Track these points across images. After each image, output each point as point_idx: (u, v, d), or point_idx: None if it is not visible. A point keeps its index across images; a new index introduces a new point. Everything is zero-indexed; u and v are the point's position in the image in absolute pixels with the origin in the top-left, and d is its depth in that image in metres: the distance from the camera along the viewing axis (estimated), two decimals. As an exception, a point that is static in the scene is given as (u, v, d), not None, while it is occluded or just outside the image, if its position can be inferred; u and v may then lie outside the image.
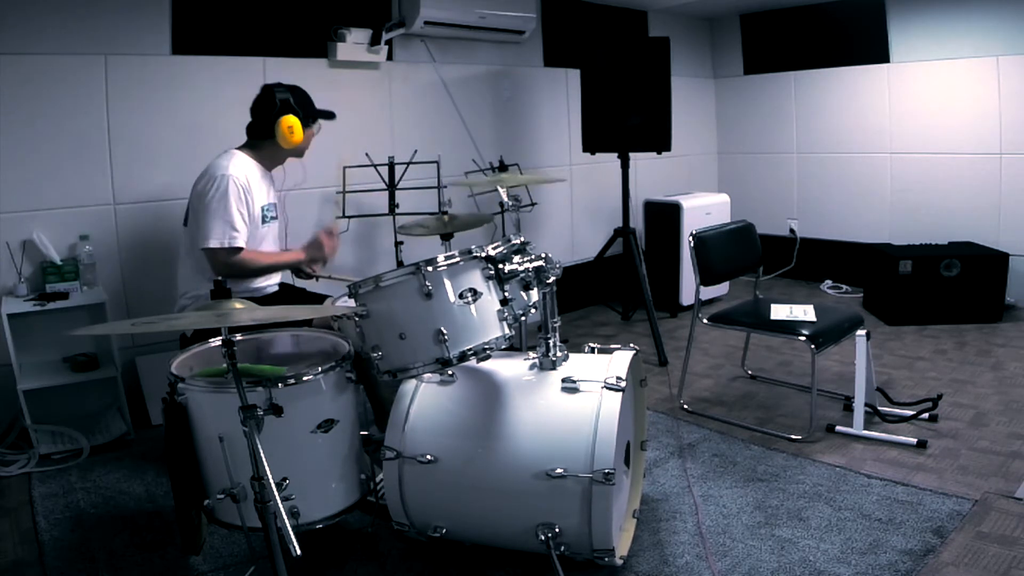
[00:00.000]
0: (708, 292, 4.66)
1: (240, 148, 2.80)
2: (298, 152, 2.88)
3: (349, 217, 3.67)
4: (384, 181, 3.69)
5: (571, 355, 2.26)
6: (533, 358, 2.24)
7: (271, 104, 2.73)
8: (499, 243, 2.17)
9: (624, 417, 2.12)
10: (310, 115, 2.83)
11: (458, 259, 2.04)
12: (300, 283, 3.14)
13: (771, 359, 4.00)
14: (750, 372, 3.78)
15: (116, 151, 3.26)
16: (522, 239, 2.26)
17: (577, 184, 5.14)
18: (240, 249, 2.64)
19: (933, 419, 3.08)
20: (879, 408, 3.12)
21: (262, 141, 2.80)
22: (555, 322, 2.23)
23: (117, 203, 3.29)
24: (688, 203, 4.93)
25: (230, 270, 2.63)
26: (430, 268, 2.01)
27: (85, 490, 2.71)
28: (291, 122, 2.71)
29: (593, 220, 5.25)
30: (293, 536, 1.53)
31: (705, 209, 4.99)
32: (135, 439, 3.11)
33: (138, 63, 3.28)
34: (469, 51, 4.47)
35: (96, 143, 3.21)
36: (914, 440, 2.86)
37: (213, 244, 2.59)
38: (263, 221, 2.77)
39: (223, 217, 2.59)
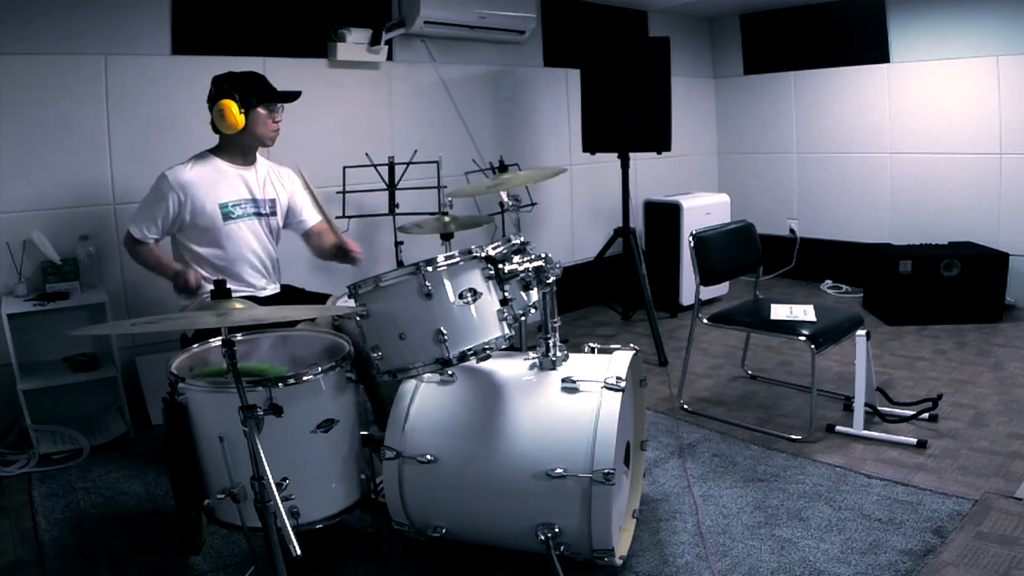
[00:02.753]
0: (708, 292, 4.66)
1: (212, 148, 2.80)
2: (258, 139, 2.77)
3: (349, 217, 3.67)
4: (384, 181, 3.69)
5: (571, 355, 2.25)
6: (533, 358, 2.24)
7: (210, 94, 2.72)
8: (499, 243, 2.17)
9: (624, 417, 2.12)
10: (254, 97, 2.69)
11: (458, 259, 2.04)
12: (299, 283, 3.13)
13: (771, 359, 4.00)
14: (750, 372, 3.78)
15: (116, 151, 3.26)
16: (522, 239, 2.26)
17: (577, 184, 5.14)
18: (135, 239, 2.74)
19: (933, 419, 3.08)
20: (879, 408, 3.12)
21: (221, 135, 2.77)
22: (555, 322, 2.23)
23: (117, 203, 3.29)
24: (688, 203, 4.93)
25: (129, 253, 2.82)
26: (430, 268, 2.01)
27: (85, 490, 2.71)
28: (222, 106, 2.63)
29: (593, 220, 5.25)
30: (293, 536, 1.53)
31: (705, 209, 4.98)
32: (135, 439, 3.11)
33: (138, 63, 3.28)
34: (469, 51, 4.47)
35: (96, 143, 3.22)
36: (914, 440, 2.86)
37: (127, 226, 2.76)
38: (227, 219, 2.74)
39: (139, 207, 2.74)
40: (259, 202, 2.84)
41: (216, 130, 2.76)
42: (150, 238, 2.73)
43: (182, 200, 2.67)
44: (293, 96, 2.80)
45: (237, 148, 2.79)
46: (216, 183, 2.73)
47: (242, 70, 2.75)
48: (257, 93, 2.72)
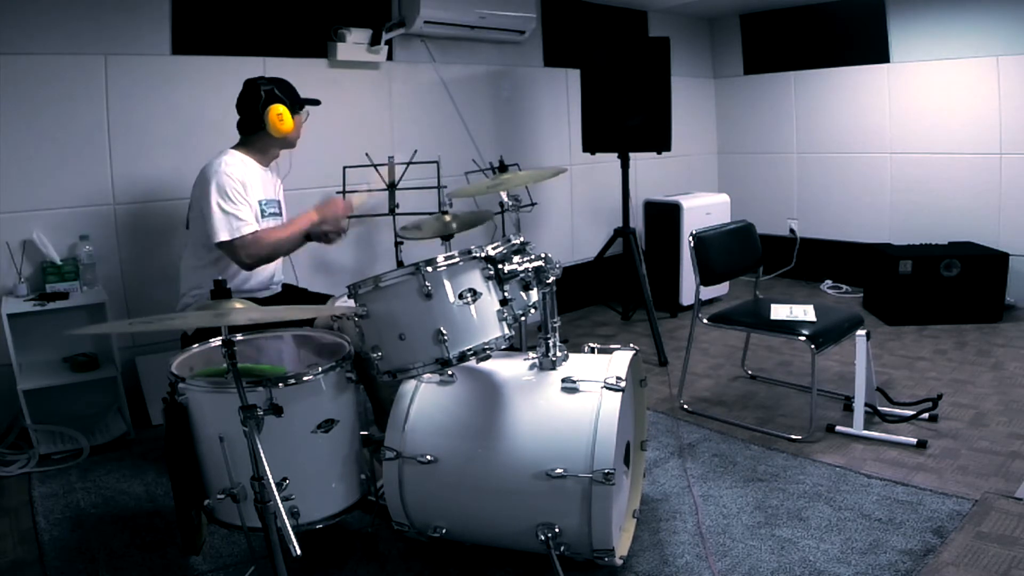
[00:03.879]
0: (708, 292, 4.66)
1: (235, 147, 2.80)
2: (289, 142, 2.87)
3: (349, 217, 3.66)
4: (384, 181, 3.69)
5: (571, 355, 2.25)
6: (533, 358, 2.24)
7: (256, 96, 2.74)
8: (499, 243, 2.16)
9: (624, 417, 2.12)
10: (296, 103, 2.82)
11: (458, 259, 2.04)
12: (302, 283, 3.13)
13: (771, 359, 4.00)
14: (750, 372, 3.78)
15: (116, 151, 3.26)
16: (522, 239, 2.26)
17: (577, 184, 5.14)
18: (249, 236, 2.62)
19: (933, 419, 3.08)
20: (879, 408, 3.12)
21: (252, 136, 2.79)
22: (555, 322, 2.23)
23: (117, 203, 3.29)
24: (688, 203, 4.93)
25: (250, 255, 2.63)
26: (430, 268, 2.00)
27: (85, 490, 2.71)
28: (280, 110, 2.72)
29: (593, 220, 5.25)
30: (293, 536, 1.54)
31: (705, 209, 4.98)
32: (135, 439, 3.11)
33: (138, 63, 3.28)
34: (469, 51, 4.47)
35: (96, 143, 3.21)
36: (914, 440, 2.86)
37: (223, 238, 2.58)
38: (262, 216, 2.76)
39: (226, 210, 2.58)
40: (276, 202, 2.88)
41: (246, 130, 2.79)
42: (257, 224, 2.66)
43: (246, 194, 2.67)
44: (316, 102, 2.92)
45: (265, 148, 2.82)
46: (254, 180, 2.75)
47: (267, 76, 2.83)
48: (299, 99, 2.83)
